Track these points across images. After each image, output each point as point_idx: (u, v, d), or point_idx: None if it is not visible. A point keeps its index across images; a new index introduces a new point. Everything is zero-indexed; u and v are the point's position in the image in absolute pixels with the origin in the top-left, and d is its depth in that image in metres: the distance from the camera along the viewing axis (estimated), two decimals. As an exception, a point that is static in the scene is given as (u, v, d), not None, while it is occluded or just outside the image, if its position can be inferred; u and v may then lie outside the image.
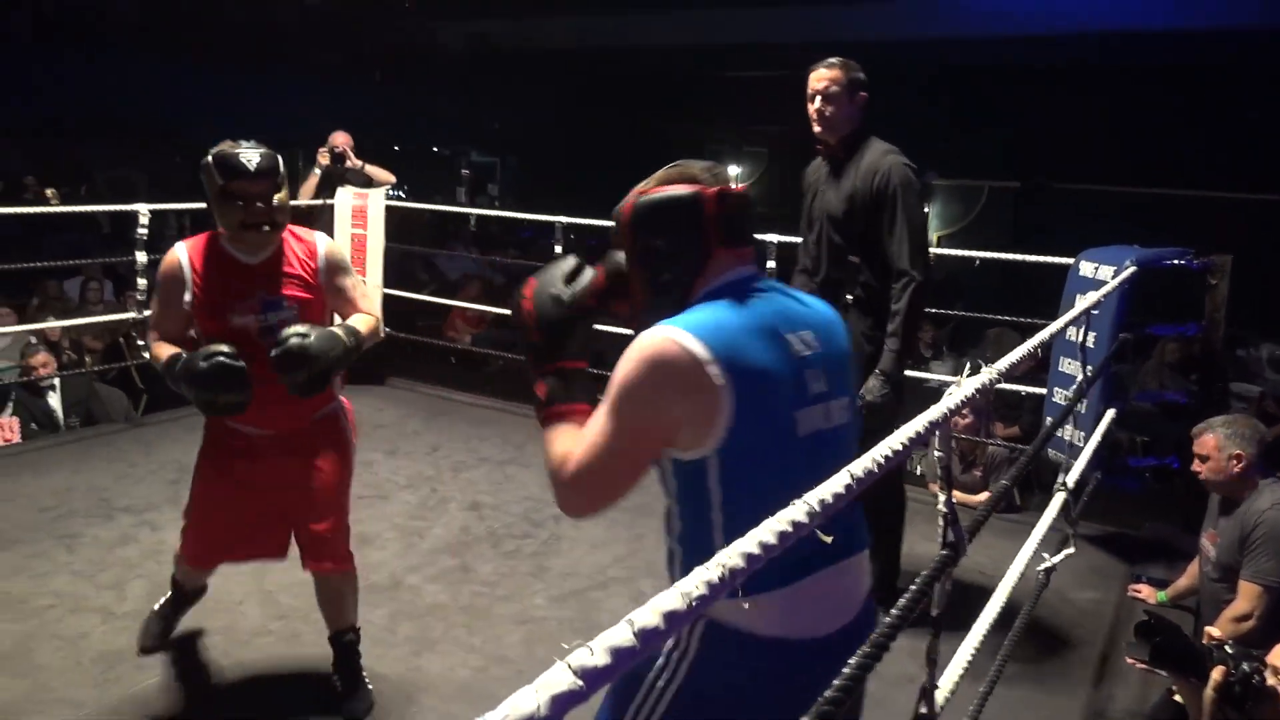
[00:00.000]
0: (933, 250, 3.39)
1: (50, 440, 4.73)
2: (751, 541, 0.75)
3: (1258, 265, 5.07)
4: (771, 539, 0.76)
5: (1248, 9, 8.68)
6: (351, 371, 6.05)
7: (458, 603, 3.12)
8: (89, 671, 2.63)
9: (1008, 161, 11.00)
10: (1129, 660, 2.45)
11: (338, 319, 2.46)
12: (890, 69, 2.93)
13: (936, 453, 1.34)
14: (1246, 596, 2.80)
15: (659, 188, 1.42)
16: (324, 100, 10.63)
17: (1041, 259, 4.16)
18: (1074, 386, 3.06)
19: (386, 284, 5.51)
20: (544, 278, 1.46)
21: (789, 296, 1.43)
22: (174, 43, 11.38)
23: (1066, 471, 3.02)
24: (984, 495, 4.40)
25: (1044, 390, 3.91)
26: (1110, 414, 3.58)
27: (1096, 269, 3.68)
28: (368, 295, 2.58)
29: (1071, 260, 3.87)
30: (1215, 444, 2.95)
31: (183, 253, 2.36)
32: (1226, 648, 2.14)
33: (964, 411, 4.02)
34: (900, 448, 1.05)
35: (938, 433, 1.26)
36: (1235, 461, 2.92)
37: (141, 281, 4.63)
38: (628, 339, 1.35)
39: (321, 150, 5.47)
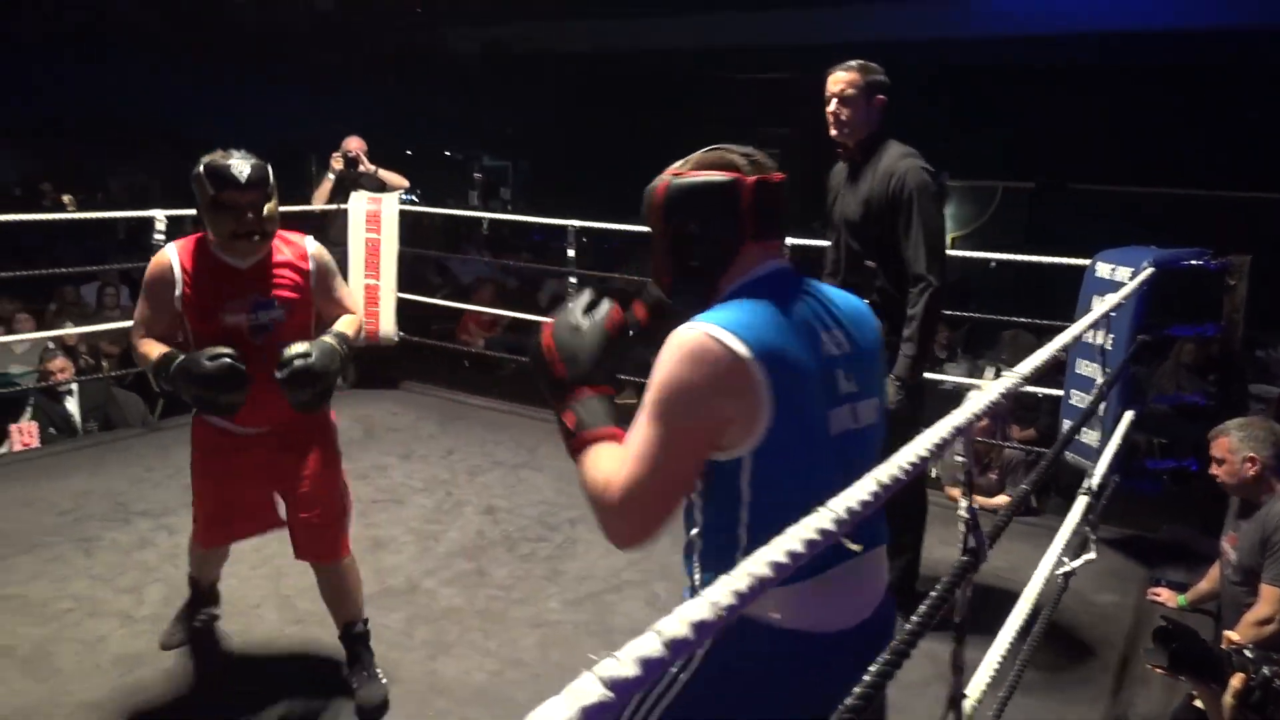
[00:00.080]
0: (950, 252, 3.37)
1: (68, 445, 4.77)
2: (779, 550, 0.75)
3: (1278, 266, 5.02)
4: (800, 547, 0.76)
5: (1248, 9, 8.63)
6: (365, 375, 6.02)
7: (473, 606, 3.12)
8: (108, 674, 2.65)
9: (1008, 162, 10.95)
10: (1148, 666, 2.43)
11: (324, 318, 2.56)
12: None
13: (957, 457, 1.33)
14: (1268, 600, 2.78)
15: (695, 171, 1.38)
16: (335, 105, 10.67)
17: (1058, 260, 4.14)
18: (1094, 389, 3.03)
19: (400, 288, 5.53)
20: (560, 316, 1.42)
21: (820, 292, 1.40)
22: (180, 46, 11.43)
23: (1089, 475, 3.00)
24: (1000, 498, 4.37)
25: (1060, 392, 3.88)
26: (1129, 416, 3.55)
27: (1113, 270, 3.65)
28: (351, 293, 2.69)
29: (1087, 261, 3.85)
30: (1229, 447, 2.93)
31: (173, 254, 2.40)
32: (1246, 652, 2.11)
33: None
34: (926, 454, 1.04)
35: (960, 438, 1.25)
36: (1250, 464, 2.89)
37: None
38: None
39: (335, 155, 5.50)
